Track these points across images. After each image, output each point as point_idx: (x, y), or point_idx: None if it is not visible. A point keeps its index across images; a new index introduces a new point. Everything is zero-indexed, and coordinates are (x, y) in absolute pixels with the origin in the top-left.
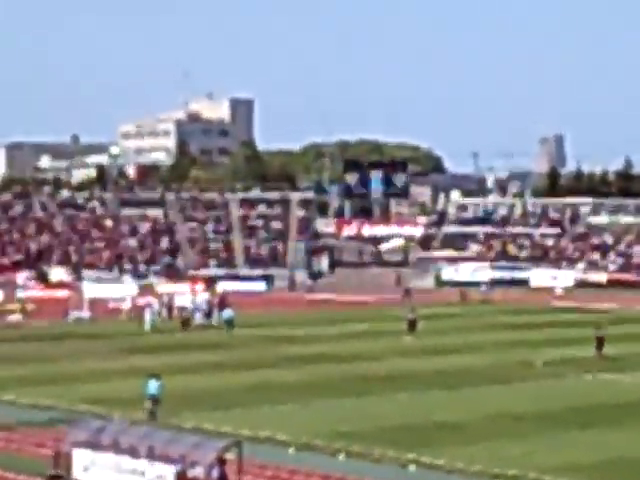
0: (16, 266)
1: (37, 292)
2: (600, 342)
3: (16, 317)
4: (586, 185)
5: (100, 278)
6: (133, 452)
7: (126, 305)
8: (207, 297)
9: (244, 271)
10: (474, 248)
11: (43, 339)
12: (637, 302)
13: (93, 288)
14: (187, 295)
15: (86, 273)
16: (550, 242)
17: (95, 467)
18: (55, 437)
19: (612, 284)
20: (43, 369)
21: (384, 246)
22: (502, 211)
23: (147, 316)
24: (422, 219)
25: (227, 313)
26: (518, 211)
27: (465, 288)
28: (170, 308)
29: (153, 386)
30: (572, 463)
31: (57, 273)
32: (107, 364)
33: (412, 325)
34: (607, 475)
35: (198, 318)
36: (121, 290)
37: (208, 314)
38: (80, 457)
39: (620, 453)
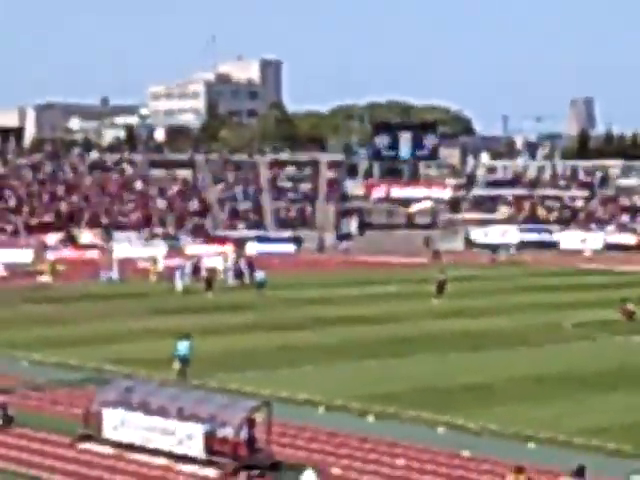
0: (46, 227)
1: (67, 253)
2: (629, 315)
3: (46, 278)
4: (616, 147)
5: (130, 239)
6: (163, 412)
7: (158, 266)
8: (234, 258)
9: (273, 233)
10: (503, 210)
11: (73, 300)
12: None
13: (123, 249)
14: (216, 257)
15: (116, 234)
16: (579, 204)
17: (125, 427)
18: (85, 397)
19: None
20: (73, 330)
21: (413, 208)
22: (531, 173)
23: (178, 277)
24: (451, 181)
25: (259, 275)
26: (547, 173)
27: (494, 252)
28: (197, 269)
29: (183, 346)
30: (600, 426)
31: (87, 234)
32: (137, 324)
33: (441, 287)
34: (636, 438)
35: (230, 279)
36: (151, 251)
37: (239, 275)
38: (110, 417)
39: None
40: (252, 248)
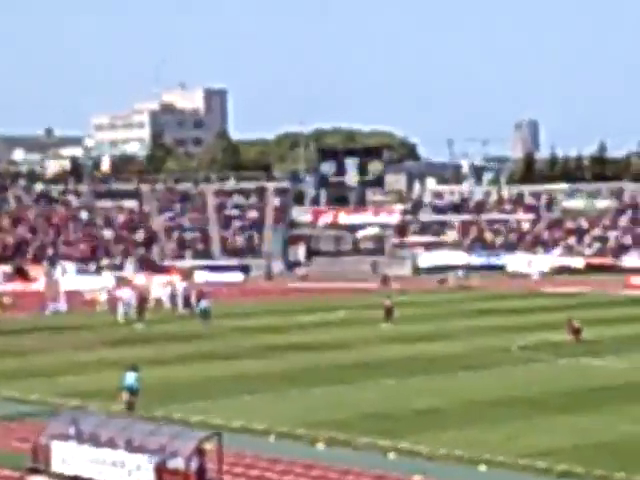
0: None
1: (13, 285)
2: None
3: None
4: (561, 170)
5: (77, 270)
6: (112, 444)
7: (102, 297)
8: (184, 287)
9: (221, 261)
10: (450, 235)
11: (20, 332)
12: (613, 286)
13: (70, 280)
14: (163, 287)
15: (62, 266)
16: (526, 227)
17: (74, 459)
18: (34, 430)
19: (589, 269)
20: (20, 362)
21: (360, 234)
22: (477, 197)
23: (120, 308)
24: (398, 207)
25: (203, 304)
26: (493, 197)
27: (443, 275)
28: (143, 300)
29: (131, 378)
30: (549, 448)
31: (33, 266)
32: (85, 356)
33: (389, 312)
34: (584, 459)
35: (180, 308)
36: (97, 282)
37: (188, 304)
38: (59, 449)
39: (598, 437)
40: (200, 277)
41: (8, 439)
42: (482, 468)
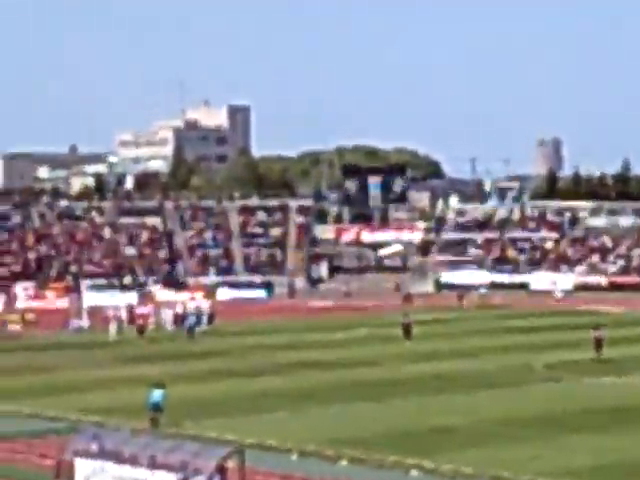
0: (15, 277)
1: (37, 302)
2: (599, 343)
3: (16, 327)
4: (584, 188)
5: (99, 287)
6: (135, 461)
7: (120, 314)
8: (208, 304)
9: (244, 278)
10: (473, 253)
11: (43, 349)
12: (637, 305)
13: (92, 297)
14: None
15: (85, 283)
16: (549, 246)
17: (97, 476)
18: (57, 447)
19: (612, 287)
20: (44, 379)
21: (383, 252)
22: (500, 215)
23: (111, 326)
24: (421, 224)
25: (192, 319)
26: (516, 215)
27: (463, 291)
28: (133, 317)
29: (156, 395)
30: (572, 467)
31: (56, 283)
32: (107, 373)
33: (407, 330)
34: (607, 479)
35: (203, 324)
36: (120, 299)
37: (210, 321)
38: (82, 466)
39: (620, 457)
40: (223, 294)
41: (31, 455)
42: None
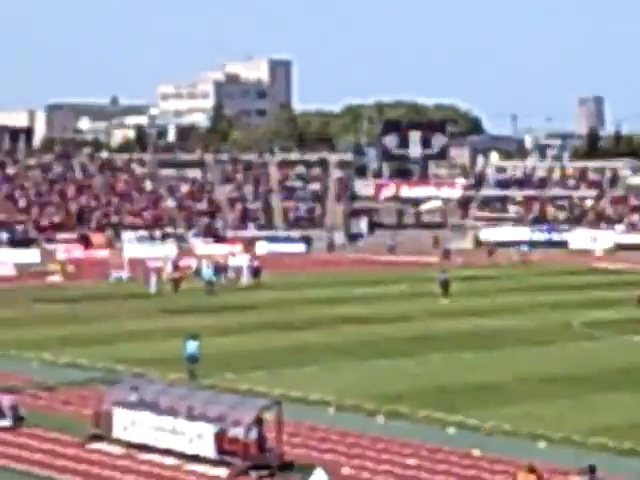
0: (56, 227)
1: (77, 253)
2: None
3: (56, 278)
4: (625, 147)
5: (140, 239)
6: (172, 412)
7: (166, 267)
8: (249, 257)
9: (283, 233)
10: (513, 210)
11: (83, 300)
12: None
13: (133, 249)
14: (230, 256)
15: (126, 234)
16: (589, 204)
17: (135, 427)
18: (95, 397)
19: None
20: (83, 329)
21: (423, 207)
22: (541, 173)
23: (152, 278)
24: (460, 181)
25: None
26: (557, 173)
27: (493, 246)
28: (177, 268)
29: (192, 346)
30: (606, 425)
31: (97, 234)
32: (147, 324)
33: (445, 286)
34: None
35: (244, 278)
36: (161, 251)
37: (256, 274)
38: (120, 417)
39: None
40: (262, 248)
41: (70, 406)
42: (541, 444)
